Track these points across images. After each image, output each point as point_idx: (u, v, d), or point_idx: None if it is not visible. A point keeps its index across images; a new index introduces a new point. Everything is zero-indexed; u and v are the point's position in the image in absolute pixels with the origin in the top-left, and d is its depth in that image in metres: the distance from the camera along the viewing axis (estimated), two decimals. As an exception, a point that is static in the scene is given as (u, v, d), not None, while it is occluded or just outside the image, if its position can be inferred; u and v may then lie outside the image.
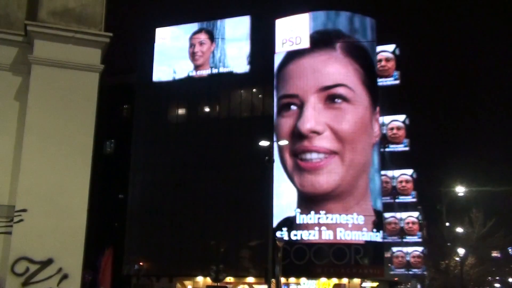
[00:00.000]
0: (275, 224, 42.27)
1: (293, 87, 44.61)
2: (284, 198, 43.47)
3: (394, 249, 50.38)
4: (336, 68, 44.02)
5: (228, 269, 39.12)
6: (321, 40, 44.87)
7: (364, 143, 43.78)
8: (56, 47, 9.32)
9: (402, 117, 49.25)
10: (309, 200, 43.23)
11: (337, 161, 42.78)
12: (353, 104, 43.54)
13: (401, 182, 49.36)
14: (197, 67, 49.45)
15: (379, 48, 47.74)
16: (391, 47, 48.83)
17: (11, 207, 8.80)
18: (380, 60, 48.04)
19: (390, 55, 48.60)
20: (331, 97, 43.36)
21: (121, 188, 51.58)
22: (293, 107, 44.15)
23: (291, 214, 43.44)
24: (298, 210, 43.33)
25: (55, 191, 8.86)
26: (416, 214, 50.16)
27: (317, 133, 42.59)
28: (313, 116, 43.00)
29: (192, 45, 49.79)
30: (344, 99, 43.39)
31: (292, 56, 45.52)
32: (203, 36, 49.67)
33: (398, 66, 48.68)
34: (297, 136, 43.02)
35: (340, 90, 43.50)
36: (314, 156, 42.84)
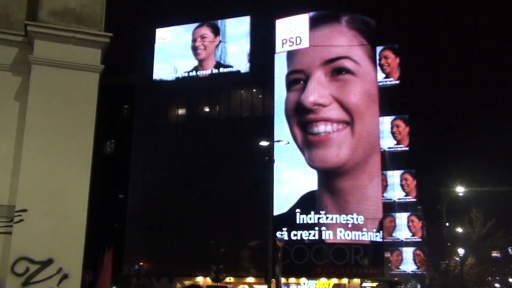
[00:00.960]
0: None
1: (299, 63, 44.92)
2: (284, 198, 43.50)
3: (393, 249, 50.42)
4: (340, 41, 44.44)
5: (228, 269, 39.04)
6: (325, 15, 45.06)
7: (372, 117, 44.15)
8: (56, 47, 9.33)
9: (403, 117, 49.21)
10: (322, 179, 43.38)
11: (347, 134, 43.04)
12: (359, 77, 43.85)
13: (401, 182, 49.33)
14: (198, 66, 49.36)
15: (379, 49, 47.76)
16: (391, 47, 48.84)
17: (11, 207, 8.80)
18: (380, 59, 48.03)
19: (390, 56, 48.59)
20: (336, 70, 43.70)
21: (121, 188, 51.60)
22: (301, 82, 44.42)
23: (291, 213, 43.46)
24: (298, 210, 43.34)
25: (55, 191, 8.87)
26: (416, 214, 50.16)
27: (322, 105, 42.78)
28: (317, 89, 43.27)
29: (194, 40, 49.71)
30: (349, 71, 43.69)
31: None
32: (204, 30, 49.57)
33: (398, 66, 48.67)
34: (302, 110, 43.41)
35: (344, 63, 43.85)
36: (322, 129, 43.03)
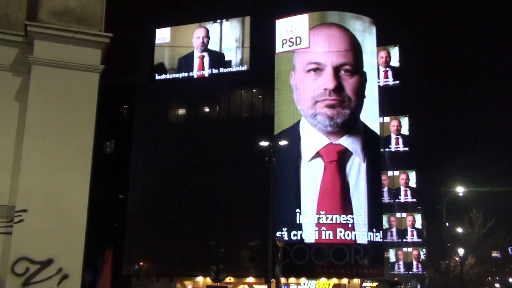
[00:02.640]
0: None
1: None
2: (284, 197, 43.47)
3: (393, 250, 50.43)
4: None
5: (228, 269, 39.18)
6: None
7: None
8: (56, 47, 9.33)
9: (403, 118, 49.19)
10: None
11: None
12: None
13: (402, 183, 49.34)
14: (198, 66, 49.35)
15: (379, 49, 47.74)
16: (391, 47, 48.85)
17: (11, 207, 8.80)
18: (380, 60, 48.03)
19: (390, 56, 48.61)
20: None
21: (121, 188, 51.57)
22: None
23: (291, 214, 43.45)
24: (298, 210, 43.33)
25: (55, 191, 8.87)
26: (416, 214, 50.19)
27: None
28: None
29: (195, 41, 49.62)
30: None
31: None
32: (204, 32, 49.51)
33: (398, 66, 48.68)
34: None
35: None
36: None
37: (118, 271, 42.73)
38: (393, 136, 48.53)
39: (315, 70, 44.15)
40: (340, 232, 42.52)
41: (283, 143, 39.73)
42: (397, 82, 48.45)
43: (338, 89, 43.69)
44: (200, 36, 49.46)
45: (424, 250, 49.13)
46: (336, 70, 43.94)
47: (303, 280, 44.10)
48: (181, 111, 51.17)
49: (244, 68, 47.93)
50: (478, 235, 45.13)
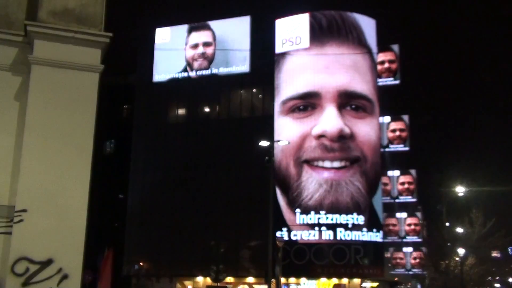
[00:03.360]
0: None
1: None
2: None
3: (393, 249, 50.42)
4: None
5: (228, 269, 39.12)
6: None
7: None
8: (56, 47, 9.32)
9: (404, 117, 49.18)
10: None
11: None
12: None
13: (402, 183, 49.36)
14: (198, 66, 49.33)
15: (379, 49, 47.70)
16: (391, 47, 48.81)
17: (11, 207, 8.79)
18: (382, 62, 48.00)
19: (391, 56, 48.57)
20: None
21: (121, 188, 51.61)
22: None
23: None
24: (298, 210, 43.33)
25: (55, 191, 8.86)
26: (416, 214, 50.19)
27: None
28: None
29: (196, 45, 49.58)
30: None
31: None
32: (204, 35, 49.50)
33: (398, 66, 48.64)
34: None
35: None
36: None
37: (118, 271, 42.72)
38: (393, 136, 48.48)
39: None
40: (340, 232, 42.53)
41: (283, 143, 39.70)
42: (397, 81, 48.41)
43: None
44: (208, 38, 49.37)
45: (424, 250, 49.18)
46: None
47: (303, 280, 44.09)
48: (181, 111, 51.17)
49: (244, 68, 47.92)
50: (478, 235, 45.16)
